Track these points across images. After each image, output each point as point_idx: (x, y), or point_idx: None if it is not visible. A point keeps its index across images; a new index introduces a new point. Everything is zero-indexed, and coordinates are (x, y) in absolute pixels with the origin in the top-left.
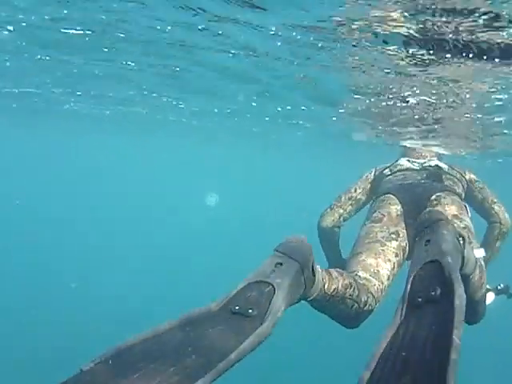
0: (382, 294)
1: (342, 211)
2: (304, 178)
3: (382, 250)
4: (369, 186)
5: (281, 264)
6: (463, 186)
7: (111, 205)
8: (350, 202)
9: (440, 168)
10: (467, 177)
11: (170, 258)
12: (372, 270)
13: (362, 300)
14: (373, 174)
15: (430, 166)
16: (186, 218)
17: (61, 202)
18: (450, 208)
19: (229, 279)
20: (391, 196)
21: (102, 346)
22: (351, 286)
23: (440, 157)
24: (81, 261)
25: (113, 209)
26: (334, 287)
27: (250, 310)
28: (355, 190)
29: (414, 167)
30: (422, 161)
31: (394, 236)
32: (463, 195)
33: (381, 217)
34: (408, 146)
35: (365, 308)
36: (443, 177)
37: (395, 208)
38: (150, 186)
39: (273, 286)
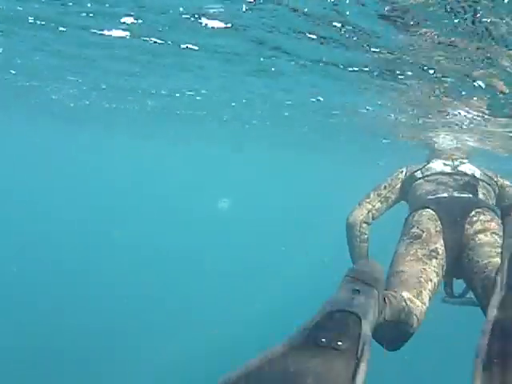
0: (424, 317)
1: (370, 207)
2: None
3: (424, 269)
4: (399, 185)
5: (358, 291)
6: (495, 193)
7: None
8: (378, 199)
9: (474, 176)
10: (499, 182)
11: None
12: (415, 290)
13: (409, 323)
14: (404, 174)
15: (465, 172)
16: (197, 223)
17: (60, 202)
18: (490, 225)
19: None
20: (429, 211)
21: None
22: (404, 310)
23: (470, 156)
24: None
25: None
26: (390, 312)
27: (340, 343)
28: (384, 188)
29: (447, 171)
30: (453, 163)
31: (434, 254)
32: (495, 202)
33: (420, 233)
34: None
35: (410, 330)
36: (478, 185)
37: (434, 224)
38: (162, 189)
39: (357, 316)
